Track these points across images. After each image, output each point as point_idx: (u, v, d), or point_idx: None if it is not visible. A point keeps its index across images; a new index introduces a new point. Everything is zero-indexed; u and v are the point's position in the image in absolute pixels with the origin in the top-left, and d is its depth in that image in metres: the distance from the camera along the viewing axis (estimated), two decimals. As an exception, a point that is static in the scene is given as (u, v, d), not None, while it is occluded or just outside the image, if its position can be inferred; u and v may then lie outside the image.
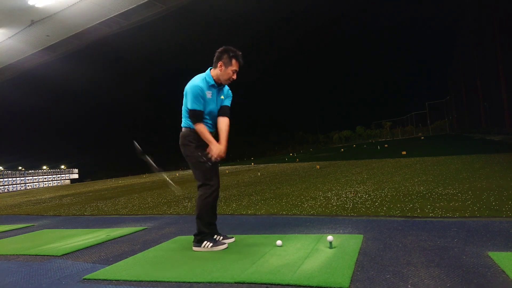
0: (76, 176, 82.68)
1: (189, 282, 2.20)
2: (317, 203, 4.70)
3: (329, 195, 5.29)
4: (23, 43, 15.33)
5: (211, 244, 2.89)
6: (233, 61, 2.93)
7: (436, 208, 3.59)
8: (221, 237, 3.09)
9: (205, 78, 2.94)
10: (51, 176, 77.03)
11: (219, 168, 3.24)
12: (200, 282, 2.17)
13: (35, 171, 75.71)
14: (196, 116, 2.88)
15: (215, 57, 2.97)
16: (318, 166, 12.49)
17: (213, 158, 2.89)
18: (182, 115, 3.04)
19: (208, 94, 2.93)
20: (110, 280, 2.42)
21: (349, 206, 4.23)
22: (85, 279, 2.50)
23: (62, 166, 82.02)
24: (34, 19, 13.14)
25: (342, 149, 29.80)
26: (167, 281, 2.26)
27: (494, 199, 3.68)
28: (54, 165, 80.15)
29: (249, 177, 11.88)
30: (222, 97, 3.09)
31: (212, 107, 2.99)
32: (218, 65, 2.94)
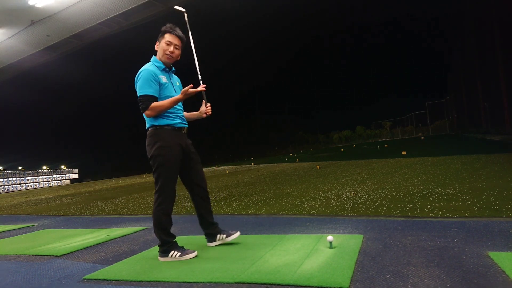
0: (76, 176, 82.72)
1: (189, 282, 2.20)
2: (317, 203, 4.70)
3: (329, 195, 5.29)
4: (23, 43, 15.35)
5: (179, 253, 2.69)
6: (166, 34, 2.81)
7: (436, 208, 3.59)
8: (225, 235, 2.95)
9: (153, 63, 2.79)
10: (51, 176, 77.06)
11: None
12: (200, 282, 2.17)
13: (35, 171, 75.75)
14: (144, 101, 2.63)
15: None
16: (318, 166, 12.49)
17: (193, 92, 2.72)
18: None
19: (163, 78, 2.76)
20: (110, 280, 2.42)
21: (349, 206, 4.23)
22: (85, 279, 2.50)
23: (62, 166, 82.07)
24: (34, 19, 13.15)
25: (342, 149, 29.80)
26: (167, 281, 2.26)
27: (494, 199, 3.68)
28: (54, 165, 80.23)
29: (249, 177, 11.88)
30: (178, 83, 2.98)
31: (172, 92, 2.80)
32: (155, 46, 2.85)
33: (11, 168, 74.25)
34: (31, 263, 3.15)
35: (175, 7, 3.20)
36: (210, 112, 3.05)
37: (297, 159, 21.46)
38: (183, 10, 3.14)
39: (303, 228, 3.35)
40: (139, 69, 2.75)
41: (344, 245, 2.60)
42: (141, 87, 2.66)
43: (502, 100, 18.56)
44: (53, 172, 78.49)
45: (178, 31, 2.85)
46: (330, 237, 2.57)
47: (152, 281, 2.29)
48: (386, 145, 26.40)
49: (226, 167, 26.67)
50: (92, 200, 10.38)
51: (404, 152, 14.00)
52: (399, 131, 53.36)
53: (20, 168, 76.37)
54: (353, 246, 2.56)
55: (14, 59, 17.38)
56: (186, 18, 3.10)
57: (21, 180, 71.68)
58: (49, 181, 75.66)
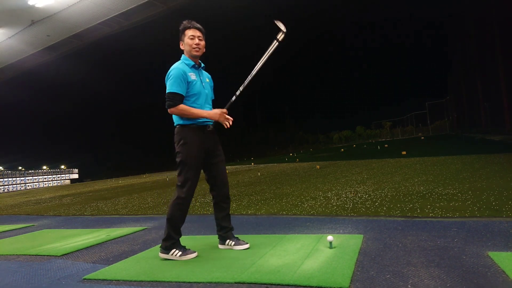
0: (76, 176, 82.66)
1: (189, 282, 2.20)
2: (317, 203, 4.70)
3: (329, 195, 5.29)
4: (23, 43, 15.34)
5: (180, 252, 2.71)
6: (185, 31, 2.84)
7: (436, 208, 3.59)
8: (233, 242, 2.86)
9: (183, 61, 2.84)
10: (51, 176, 76.99)
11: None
12: (200, 282, 2.17)
13: (35, 171, 75.69)
14: (171, 99, 2.69)
15: None
16: (318, 166, 12.49)
17: (226, 126, 2.79)
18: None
19: (192, 76, 2.80)
20: (110, 280, 2.42)
21: (349, 206, 4.23)
22: (85, 279, 2.50)
23: (62, 166, 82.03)
24: (35, 19, 13.16)
25: (342, 149, 29.80)
26: (167, 281, 2.26)
27: (494, 199, 3.68)
28: (54, 165, 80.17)
29: (249, 177, 11.88)
30: (208, 80, 2.99)
31: (201, 89, 2.83)
32: (180, 46, 2.90)
33: (11, 168, 74.22)
34: (31, 263, 3.15)
35: (276, 21, 2.85)
36: (228, 126, 2.96)
37: (297, 159, 21.46)
38: (284, 29, 2.84)
39: (303, 228, 3.36)
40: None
41: (344, 245, 2.60)
42: (171, 85, 2.72)
43: (502, 100, 18.56)
44: (53, 172, 78.42)
45: (196, 24, 2.88)
46: (330, 237, 2.57)
47: (152, 281, 2.29)
48: (386, 145, 26.41)
49: (226, 167, 26.64)
50: (92, 200, 10.37)
51: (404, 152, 14.00)
52: (399, 131, 53.35)
53: (20, 168, 76.34)
54: (353, 246, 2.56)
55: (14, 59, 17.38)
56: (281, 38, 2.84)
57: (21, 180, 71.60)
58: (49, 181, 75.57)
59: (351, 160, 14.46)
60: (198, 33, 2.86)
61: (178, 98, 2.71)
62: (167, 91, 2.73)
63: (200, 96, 2.83)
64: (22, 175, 73.01)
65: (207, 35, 2.98)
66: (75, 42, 16.59)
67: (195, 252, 2.77)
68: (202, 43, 2.88)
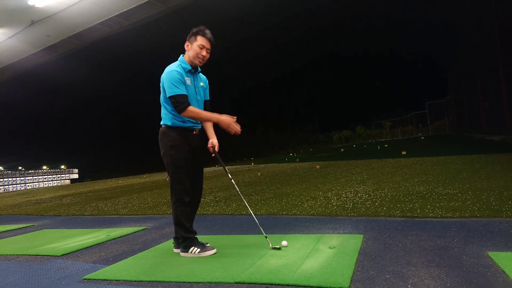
0: (76, 176, 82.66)
1: (189, 282, 2.20)
2: (317, 203, 4.70)
3: (329, 195, 5.29)
4: (23, 43, 15.33)
5: (199, 249, 2.75)
6: (198, 37, 2.77)
7: (436, 208, 3.59)
8: (179, 250, 2.91)
9: (180, 64, 2.78)
10: (51, 176, 76.99)
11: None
12: (200, 282, 2.18)
13: (35, 171, 75.70)
14: (181, 102, 2.63)
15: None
16: (318, 166, 12.49)
17: (233, 132, 2.73)
18: (161, 113, 2.84)
19: (188, 81, 2.75)
20: (110, 280, 2.42)
21: (349, 206, 4.23)
22: (85, 279, 2.50)
23: (62, 166, 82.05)
24: (34, 19, 13.14)
25: (342, 149, 29.78)
26: (167, 281, 2.26)
27: (494, 199, 3.68)
28: (54, 165, 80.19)
29: (249, 177, 11.87)
30: (202, 83, 2.93)
31: (193, 95, 2.80)
32: (185, 46, 2.83)
33: (11, 168, 74.23)
34: (31, 263, 3.16)
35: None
36: (234, 133, 2.84)
37: (297, 159, 21.45)
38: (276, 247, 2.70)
39: (303, 228, 3.36)
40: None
41: (344, 245, 2.60)
42: (174, 87, 2.66)
43: (502, 100, 18.57)
44: (53, 172, 78.42)
45: (210, 35, 2.83)
46: (284, 242, 2.68)
47: (152, 281, 2.29)
48: (386, 145, 26.38)
49: (226, 167, 26.63)
50: (92, 200, 10.37)
51: (404, 152, 13.99)
52: (399, 131, 53.26)
53: (20, 168, 76.35)
54: (353, 246, 2.56)
55: (14, 59, 17.36)
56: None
57: (21, 180, 71.57)
58: (49, 181, 75.55)
59: (351, 160, 14.45)
60: (208, 45, 2.82)
61: (185, 99, 2.67)
62: (170, 94, 2.66)
63: (191, 102, 2.78)
64: (22, 175, 73.00)
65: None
66: (75, 42, 16.58)
67: (214, 248, 2.79)
68: (208, 56, 2.85)
